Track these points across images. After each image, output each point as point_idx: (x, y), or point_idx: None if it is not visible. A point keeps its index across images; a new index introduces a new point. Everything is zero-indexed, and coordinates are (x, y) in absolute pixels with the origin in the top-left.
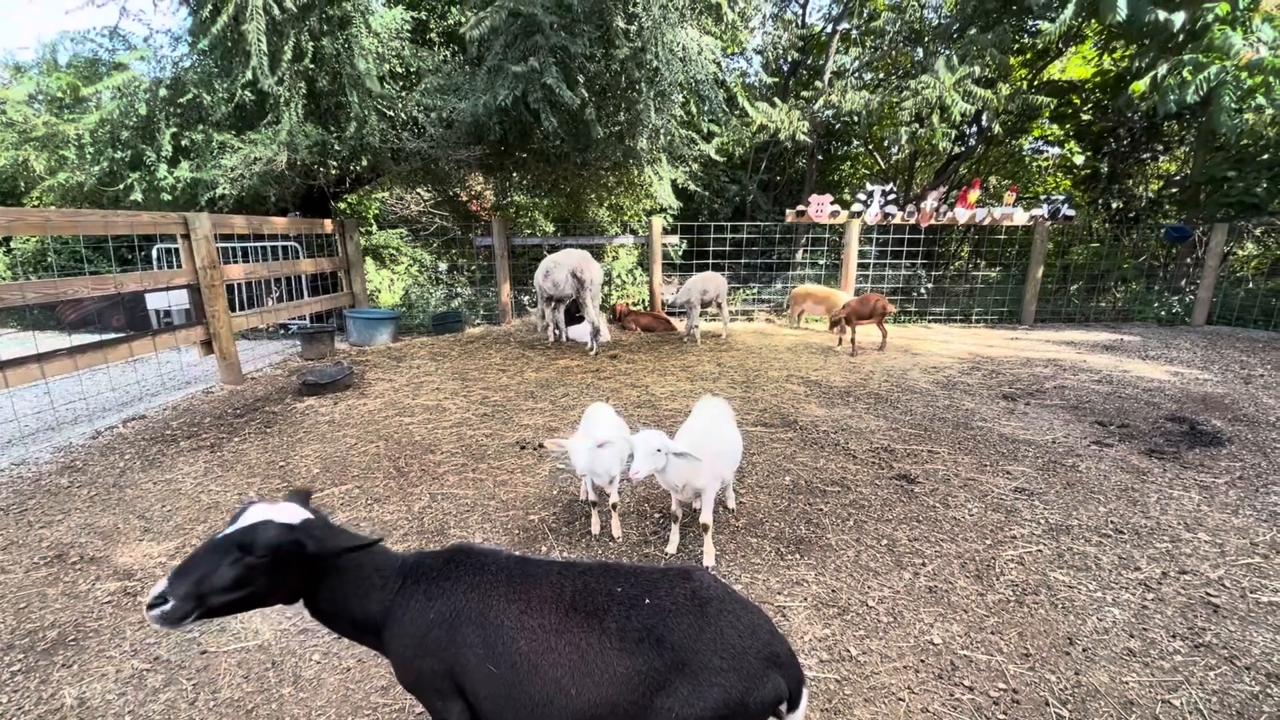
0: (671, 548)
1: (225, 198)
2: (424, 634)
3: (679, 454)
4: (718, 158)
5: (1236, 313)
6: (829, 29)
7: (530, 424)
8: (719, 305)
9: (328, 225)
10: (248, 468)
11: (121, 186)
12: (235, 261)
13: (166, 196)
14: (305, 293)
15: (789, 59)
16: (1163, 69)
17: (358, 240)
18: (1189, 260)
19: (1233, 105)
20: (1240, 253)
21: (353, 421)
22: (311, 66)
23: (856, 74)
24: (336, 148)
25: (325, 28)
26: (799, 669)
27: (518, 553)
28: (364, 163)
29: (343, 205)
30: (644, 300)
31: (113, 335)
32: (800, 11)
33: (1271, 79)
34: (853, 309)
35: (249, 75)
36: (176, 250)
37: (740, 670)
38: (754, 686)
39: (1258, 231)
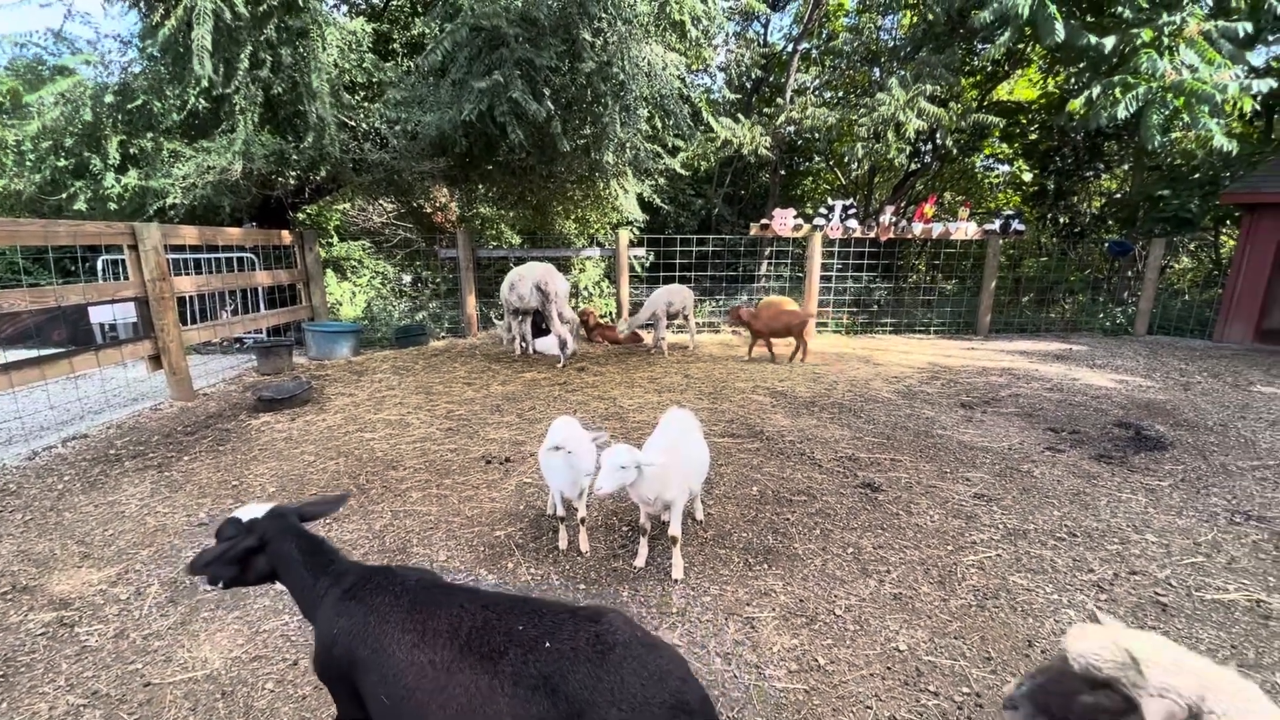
0: (640, 561)
1: (176, 207)
2: (330, 645)
3: (643, 465)
4: (683, 171)
5: (1174, 323)
6: (790, 48)
7: (496, 438)
8: (685, 317)
9: (286, 236)
10: (198, 487)
11: (65, 195)
12: (187, 273)
13: (113, 206)
14: (262, 306)
15: (752, 76)
16: (1097, 89)
17: (317, 252)
18: (1130, 273)
19: (1160, 123)
20: (1176, 266)
21: (311, 438)
22: (269, 76)
23: (817, 92)
24: (295, 158)
25: (284, 36)
26: (713, 715)
27: (439, 576)
28: (324, 173)
29: (302, 216)
30: (611, 312)
31: (52, 351)
32: (762, 31)
33: (1193, 101)
34: (764, 321)
35: (203, 82)
36: (123, 262)
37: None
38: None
39: (1191, 246)
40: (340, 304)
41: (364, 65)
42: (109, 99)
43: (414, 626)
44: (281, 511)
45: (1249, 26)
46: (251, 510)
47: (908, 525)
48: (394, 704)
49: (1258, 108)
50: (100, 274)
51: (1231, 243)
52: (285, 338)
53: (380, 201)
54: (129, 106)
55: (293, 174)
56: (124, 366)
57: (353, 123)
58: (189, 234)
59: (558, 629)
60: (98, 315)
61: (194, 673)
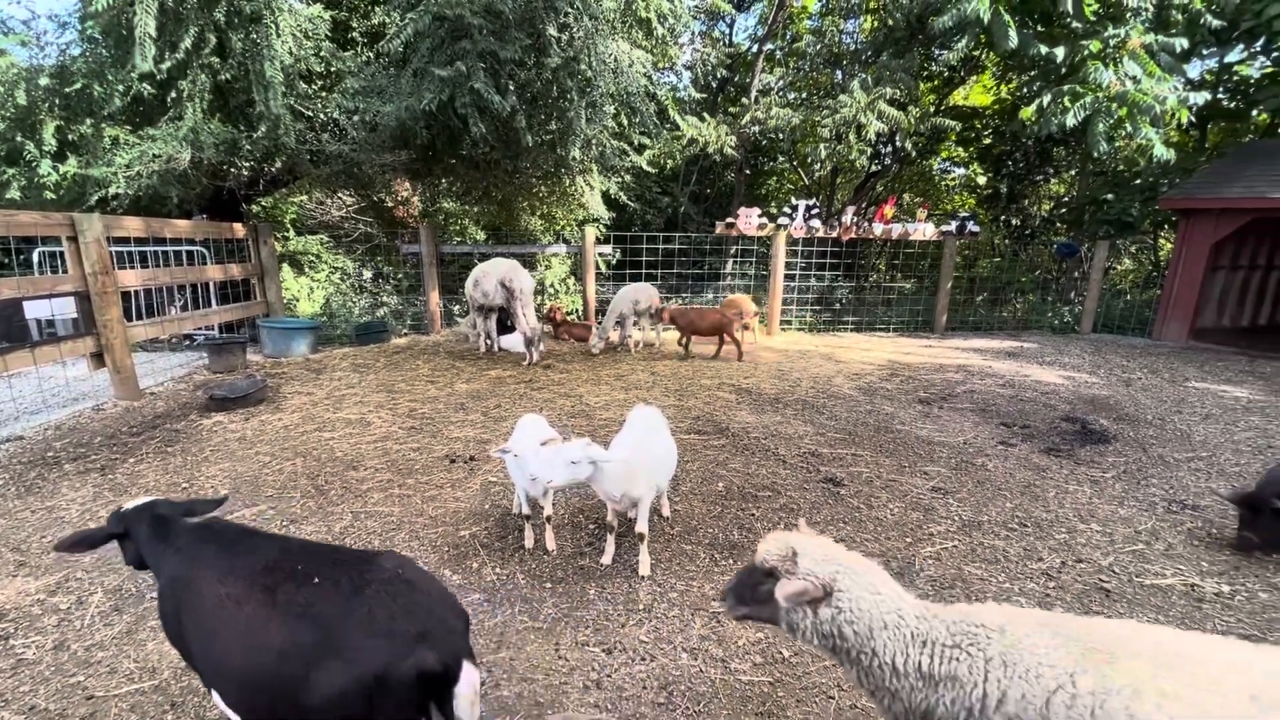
0: (607, 559)
1: (119, 197)
2: (163, 601)
3: (598, 461)
4: (649, 169)
5: (1117, 322)
6: (754, 49)
7: (461, 437)
8: (651, 315)
9: (239, 229)
10: (144, 491)
11: None
12: (132, 267)
13: (50, 195)
14: (213, 301)
15: (717, 76)
16: (1047, 97)
17: (273, 246)
18: (1077, 274)
19: (1105, 132)
20: (1119, 267)
21: (266, 438)
22: (216, 61)
23: (781, 93)
24: (247, 147)
25: (235, 21)
26: (457, 647)
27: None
28: (279, 164)
29: (256, 208)
30: (578, 310)
31: None
32: (727, 31)
33: (1135, 111)
34: (690, 320)
35: (145, 65)
36: (62, 254)
37: (382, 648)
38: (396, 663)
39: (1132, 248)
40: (297, 300)
41: (321, 53)
42: (44, 81)
43: (220, 569)
44: (151, 504)
45: (1185, 42)
46: (133, 502)
47: (868, 519)
48: (203, 639)
49: (1193, 119)
50: (36, 267)
51: (1169, 246)
52: (239, 334)
53: (339, 195)
54: (67, 90)
55: (246, 164)
56: (63, 364)
57: (310, 112)
58: (133, 225)
59: (330, 567)
60: (34, 310)
61: (140, 684)
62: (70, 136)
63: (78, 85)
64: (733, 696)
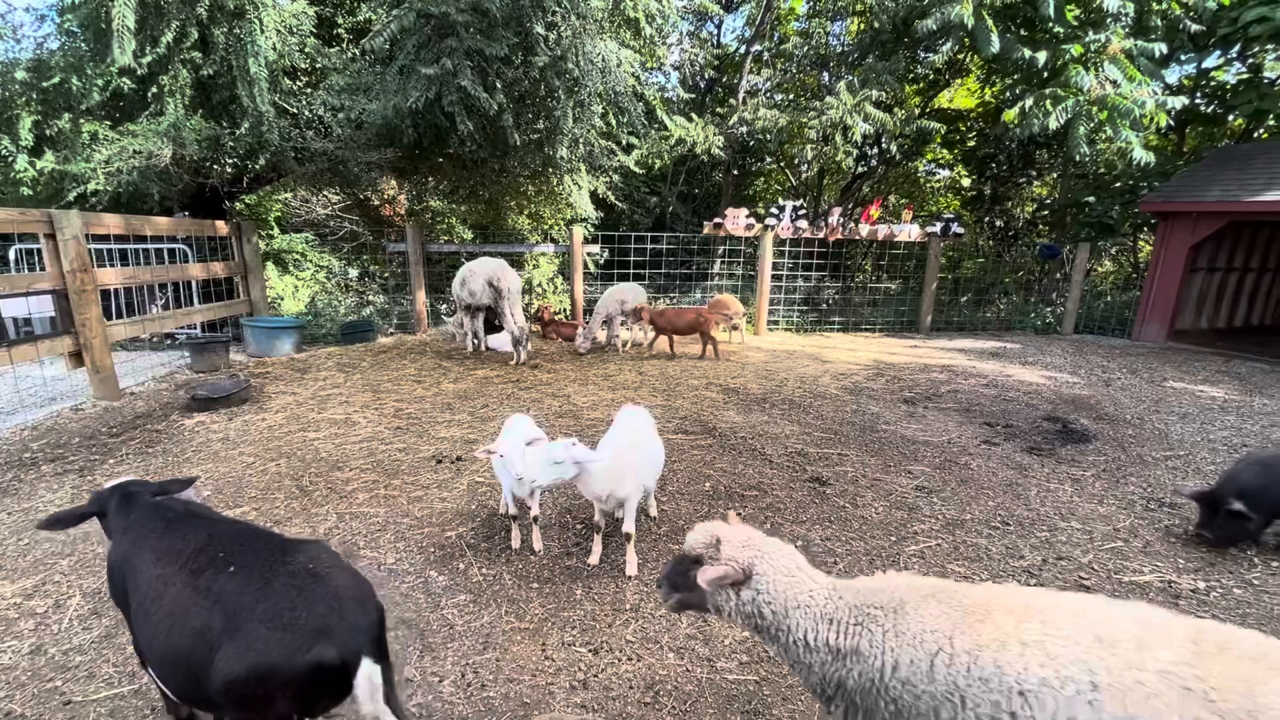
0: (594, 559)
1: (99, 194)
2: (111, 571)
3: (581, 462)
4: (637, 170)
5: (1098, 322)
6: (742, 50)
7: (448, 437)
8: (630, 315)
9: (221, 227)
10: None
11: None
12: (112, 265)
13: (27, 191)
14: (195, 300)
15: (705, 76)
16: (1029, 100)
17: (256, 244)
18: (1059, 276)
19: (1086, 135)
20: (1100, 269)
21: (250, 439)
22: (198, 56)
23: (768, 94)
24: (230, 144)
25: (217, 16)
26: (357, 643)
27: (204, 508)
28: (263, 161)
29: (239, 206)
30: (566, 309)
31: None
32: (715, 32)
33: (1115, 114)
34: (668, 320)
35: (124, 59)
36: (39, 251)
37: (281, 640)
38: (293, 655)
39: (1113, 250)
40: (282, 299)
41: (306, 50)
42: (21, 75)
43: (159, 549)
44: (123, 483)
45: (1164, 47)
46: (111, 482)
47: (854, 517)
48: (139, 615)
49: (1171, 122)
50: (13, 264)
51: (1148, 248)
52: (222, 333)
53: (325, 193)
54: (44, 84)
55: (229, 161)
56: (40, 364)
57: (294, 109)
58: (113, 223)
59: (250, 556)
60: (10, 309)
61: (119, 689)
62: (48, 131)
63: (55, 79)
64: (719, 695)
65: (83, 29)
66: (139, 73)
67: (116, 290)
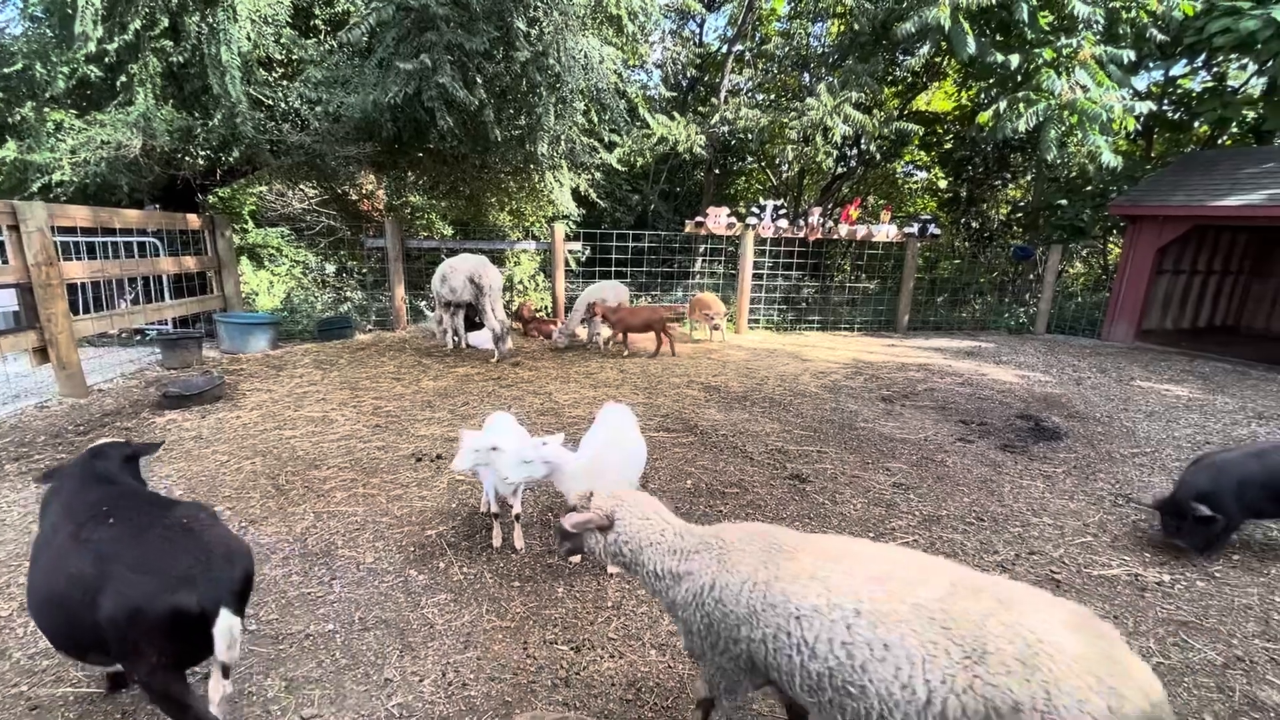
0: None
1: (64, 184)
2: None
3: (550, 461)
4: (619, 167)
5: (1069, 322)
6: (724, 49)
7: (428, 434)
8: (586, 312)
9: (194, 221)
10: None
11: None
12: (79, 258)
13: None
14: (167, 295)
15: (687, 75)
16: (1003, 103)
17: (230, 238)
18: (1032, 277)
19: (1056, 138)
20: (1071, 270)
21: (224, 436)
22: (169, 44)
23: (749, 94)
24: (202, 135)
25: (189, 3)
26: (218, 592)
27: (121, 478)
28: (237, 154)
29: (212, 199)
30: (547, 307)
31: None
32: (698, 31)
33: (1085, 118)
34: (621, 317)
35: (90, 46)
36: (1, 243)
37: (145, 583)
38: (155, 599)
39: (1083, 252)
40: (256, 294)
41: (281, 40)
42: None
43: (63, 503)
44: (102, 444)
45: (1133, 54)
46: (102, 440)
47: (833, 514)
48: (31, 558)
49: (1139, 128)
50: None
51: (1117, 250)
52: (194, 329)
53: (301, 187)
54: (6, 70)
55: (201, 153)
56: (3, 360)
57: (269, 101)
58: (80, 215)
59: (132, 512)
60: None
61: (88, 690)
62: (10, 120)
63: (18, 66)
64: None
65: (47, 14)
66: (107, 60)
67: (84, 284)
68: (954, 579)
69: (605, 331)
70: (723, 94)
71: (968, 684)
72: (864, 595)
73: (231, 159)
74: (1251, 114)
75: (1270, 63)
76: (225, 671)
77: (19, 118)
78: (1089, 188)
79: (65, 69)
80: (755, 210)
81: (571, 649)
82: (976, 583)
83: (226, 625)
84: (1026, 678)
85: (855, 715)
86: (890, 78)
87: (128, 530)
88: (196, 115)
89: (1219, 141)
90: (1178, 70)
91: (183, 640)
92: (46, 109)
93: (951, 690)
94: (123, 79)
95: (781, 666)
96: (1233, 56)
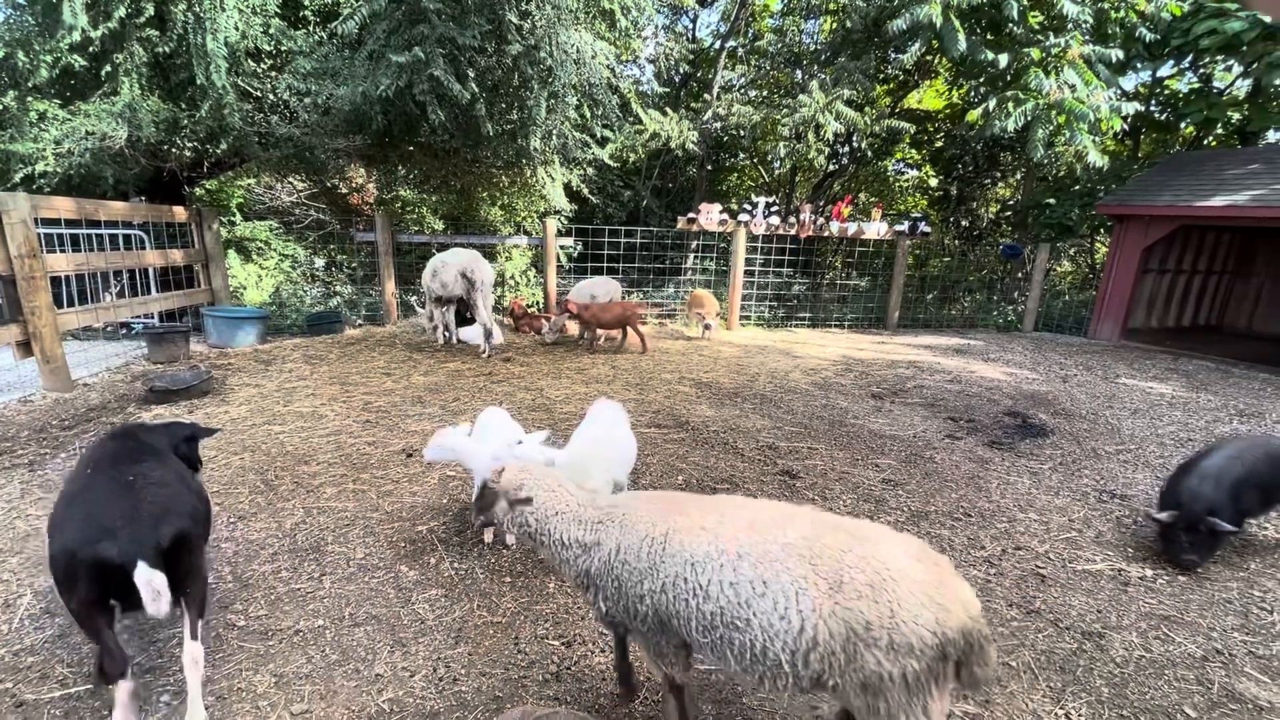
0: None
1: (48, 175)
2: None
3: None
4: (612, 163)
5: (1056, 321)
6: (717, 45)
7: (418, 430)
8: (557, 307)
9: (180, 213)
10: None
11: None
12: (63, 250)
13: None
14: (153, 288)
15: (680, 71)
16: (993, 102)
17: (218, 231)
18: (1020, 275)
19: (1044, 137)
20: (1059, 269)
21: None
22: (155, 34)
23: (742, 90)
24: (189, 127)
25: None
26: (140, 548)
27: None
28: (224, 146)
29: (199, 192)
30: (539, 302)
31: None
32: (691, 26)
33: (1072, 118)
34: (593, 313)
35: (74, 35)
36: None
37: (81, 530)
38: (84, 545)
39: (1071, 251)
40: (244, 288)
41: (270, 31)
42: None
43: (83, 459)
44: (163, 424)
45: (1120, 54)
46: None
47: (823, 510)
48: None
49: (1125, 128)
50: None
51: (1104, 249)
52: (181, 323)
53: (290, 180)
54: None
55: (188, 145)
56: None
57: (258, 93)
58: (64, 206)
59: (108, 466)
60: None
61: (74, 689)
62: None
63: (0, 54)
64: (691, 685)
65: (30, 2)
66: (91, 50)
67: (68, 277)
68: (813, 520)
69: (572, 327)
70: (715, 90)
71: (831, 610)
72: (743, 540)
73: (219, 151)
74: (1237, 115)
75: (1255, 64)
76: (193, 633)
77: (1, 107)
78: (1077, 187)
79: (48, 58)
80: (747, 207)
81: (562, 644)
82: (833, 522)
83: (145, 578)
84: (875, 600)
85: (742, 647)
86: (882, 75)
87: (92, 483)
88: (183, 106)
89: (1204, 142)
90: (1165, 71)
91: (105, 584)
92: (30, 98)
93: (820, 616)
94: (107, 69)
95: (680, 612)
96: (1218, 58)
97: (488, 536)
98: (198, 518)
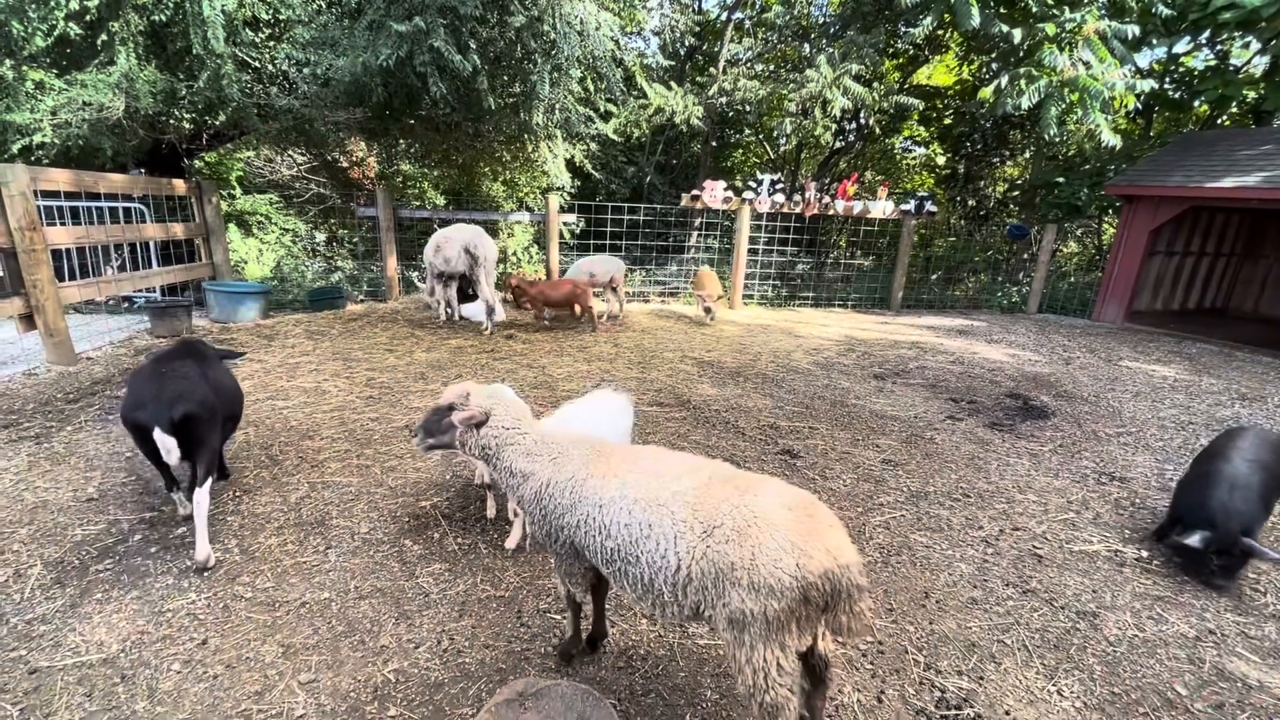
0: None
1: (45, 147)
2: None
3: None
4: (615, 138)
5: (1061, 302)
6: (724, 17)
7: (421, 406)
8: (613, 288)
9: (180, 186)
10: (85, 460)
11: None
12: (62, 223)
13: None
14: (154, 262)
15: (685, 43)
16: (1005, 79)
17: (218, 204)
18: (1026, 256)
19: (1057, 115)
20: (1065, 250)
21: None
22: (150, 0)
23: (748, 64)
24: (187, 98)
25: None
26: (155, 418)
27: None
28: (223, 117)
29: (199, 164)
30: (541, 277)
31: None
32: None
33: (1086, 95)
34: (541, 290)
35: (70, 2)
36: None
37: (132, 400)
38: (131, 410)
39: (1078, 232)
40: (245, 262)
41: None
42: None
43: (158, 353)
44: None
45: (1137, 30)
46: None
47: (823, 489)
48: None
49: (1139, 106)
50: None
51: (1112, 230)
52: (183, 297)
53: (290, 152)
54: None
55: (186, 116)
56: None
57: (256, 63)
58: (62, 178)
59: (164, 360)
60: None
61: (87, 657)
62: None
63: None
64: (690, 659)
65: None
66: (87, 17)
67: (69, 250)
68: (713, 473)
69: (599, 306)
70: (721, 64)
71: (703, 552)
72: (644, 487)
73: (217, 122)
74: (1252, 93)
75: (1274, 40)
76: (200, 483)
77: None
78: (1087, 166)
79: (44, 26)
80: (752, 184)
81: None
82: (729, 474)
83: (160, 439)
84: (740, 544)
85: (635, 579)
86: (891, 50)
87: (144, 371)
88: (180, 76)
89: (1218, 121)
90: (1181, 47)
91: (145, 437)
92: (25, 67)
93: (694, 558)
94: (103, 37)
95: (589, 545)
96: (1237, 34)
97: (490, 511)
98: (207, 405)
